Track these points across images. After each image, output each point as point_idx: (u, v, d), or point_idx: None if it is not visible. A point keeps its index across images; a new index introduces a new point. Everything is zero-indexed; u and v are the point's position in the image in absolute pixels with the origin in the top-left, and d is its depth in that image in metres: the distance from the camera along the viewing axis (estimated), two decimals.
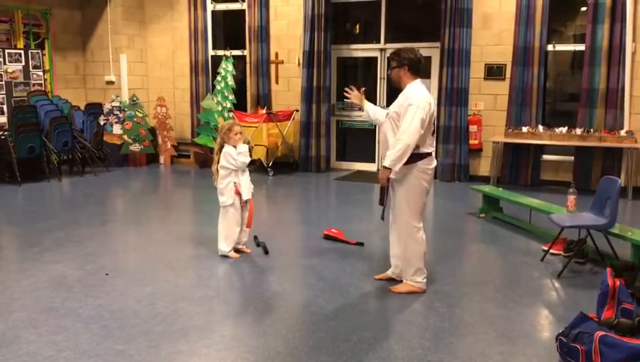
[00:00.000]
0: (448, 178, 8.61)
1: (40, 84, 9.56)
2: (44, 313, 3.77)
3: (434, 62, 8.78)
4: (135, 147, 9.82)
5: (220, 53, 9.97)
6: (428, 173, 4.04)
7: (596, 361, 2.87)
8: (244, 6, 9.73)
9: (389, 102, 4.32)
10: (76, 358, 3.17)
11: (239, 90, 9.89)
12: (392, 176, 3.95)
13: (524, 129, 8.05)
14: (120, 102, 9.86)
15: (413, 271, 4.13)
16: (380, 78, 9.35)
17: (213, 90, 9.81)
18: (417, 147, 3.92)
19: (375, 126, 9.23)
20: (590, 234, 4.76)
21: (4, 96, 9.07)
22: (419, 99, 3.90)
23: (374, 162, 9.55)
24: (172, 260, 4.91)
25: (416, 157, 3.94)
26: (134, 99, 9.87)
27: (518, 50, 8.14)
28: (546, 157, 8.33)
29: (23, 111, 8.34)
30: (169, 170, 9.96)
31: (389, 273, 4.39)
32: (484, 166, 8.66)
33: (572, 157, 8.10)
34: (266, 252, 5.06)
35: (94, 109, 9.63)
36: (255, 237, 5.29)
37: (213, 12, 10.23)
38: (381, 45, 9.27)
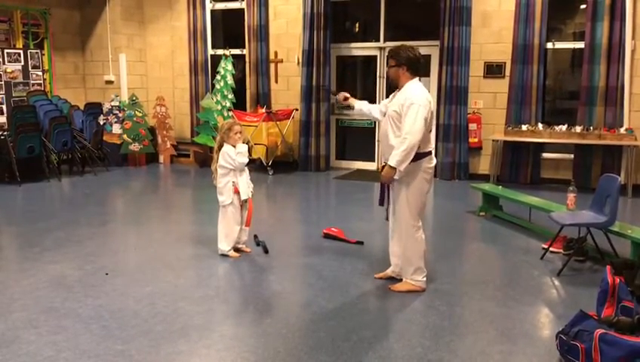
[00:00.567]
0: (448, 176, 8.61)
1: (39, 84, 9.56)
2: (44, 313, 3.76)
3: (433, 61, 8.78)
4: (135, 147, 9.81)
5: (220, 52, 9.97)
6: (428, 171, 4.04)
7: (596, 359, 2.87)
8: (244, 5, 9.72)
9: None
10: (76, 358, 3.17)
11: (239, 90, 9.88)
12: (396, 176, 3.93)
13: (524, 127, 8.05)
14: (119, 102, 9.86)
15: (413, 270, 4.12)
16: (380, 77, 9.34)
17: (212, 90, 9.81)
18: (419, 146, 3.91)
19: (375, 124, 9.24)
20: (590, 232, 4.75)
21: (4, 96, 9.07)
22: (420, 98, 3.89)
23: (374, 161, 9.55)
24: (172, 260, 4.91)
25: (418, 155, 3.93)
26: (134, 98, 9.86)
27: (518, 48, 8.14)
28: (545, 155, 8.32)
29: (22, 111, 8.34)
30: (169, 169, 9.95)
31: (389, 272, 4.39)
32: (483, 164, 8.66)
33: (572, 155, 8.10)
34: (266, 251, 5.06)
35: (94, 109, 9.63)
36: (255, 237, 5.29)
37: (212, 11, 10.22)
38: (380, 44, 9.26)
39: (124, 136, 9.76)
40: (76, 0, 10.23)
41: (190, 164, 10.16)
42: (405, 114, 3.87)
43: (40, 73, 9.57)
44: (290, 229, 6.22)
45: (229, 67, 9.57)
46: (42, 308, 3.85)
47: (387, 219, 4.31)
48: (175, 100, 10.57)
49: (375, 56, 9.42)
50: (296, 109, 9.40)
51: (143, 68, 10.59)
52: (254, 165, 8.97)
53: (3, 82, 9.06)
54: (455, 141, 8.55)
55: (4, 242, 5.64)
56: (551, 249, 5.02)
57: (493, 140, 8.27)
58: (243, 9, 9.74)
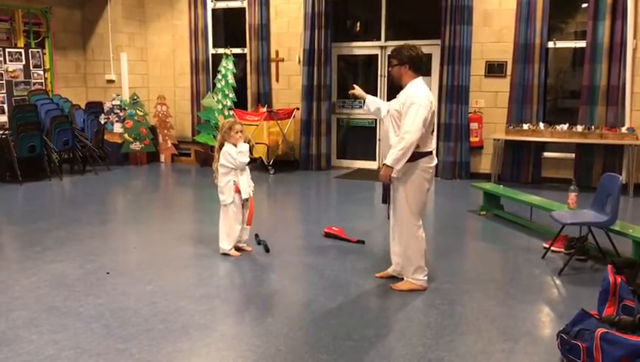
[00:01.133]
0: (449, 175, 8.61)
1: (40, 83, 9.56)
2: (45, 312, 3.76)
3: (434, 60, 8.78)
4: (136, 146, 9.82)
5: (221, 51, 9.97)
6: (429, 171, 4.04)
7: (597, 358, 2.87)
8: (245, 4, 9.72)
9: (390, 100, 4.30)
10: (77, 357, 3.17)
11: (240, 89, 9.89)
12: (393, 174, 3.93)
13: (525, 126, 8.04)
14: (120, 101, 9.87)
15: (414, 269, 4.12)
16: (381, 76, 9.33)
17: (213, 89, 9.81)
18: (418, 146, 3.90)
19: (375, 124, 9.23)
20: (591, 231, 4.74)
21: (5, 95, 9.08)
22: (421, 97, 3.89)
23: (375, 160, 9.54)
24: (173, 259, 4.91)
25: (417, 155, 3.93)
26: (135, 97, 9.86)
27: (519, 47, 8.14)
28: (546, 154, 8.32)
29: (23, 110, 8.34)
30: (170, 168, 9.96)
31: (390, 271, 4.39)
32: (484, 163, 8.65)
33: (573, 155, 8.10)
34: (267, 250, 5.06)
35: (95, 108, 9.63)
36: (256, 236, 5.28)
37: (213, 10, 10.23)
38: (381, 43, 9.26)
39: (125, 136, 9.76)
40: None
41: (191, 163, 10.16)
42: (405, 113, 3.87)
43: (41, 72, 9.57)
44: (291, 228, 6.22)
45: (230, 66, 9.58)
46: (43, 306, 3.85)
47: (388, 217, 4.31)
48: (176, 99, 10.57)
49: (376, 55, 9.41)
50: (297, 108, 9.40)
51: (144, 67, 10.59)
52: (255, 164, 8.97)
53: (4, 81, 9.06)
54: (456, 140, 8.55)
55: (5, 241, 5.64)
56: (552, 248, 5.01)
57: (494, 139, 8.26)
58: (244, 8, 9.75)
